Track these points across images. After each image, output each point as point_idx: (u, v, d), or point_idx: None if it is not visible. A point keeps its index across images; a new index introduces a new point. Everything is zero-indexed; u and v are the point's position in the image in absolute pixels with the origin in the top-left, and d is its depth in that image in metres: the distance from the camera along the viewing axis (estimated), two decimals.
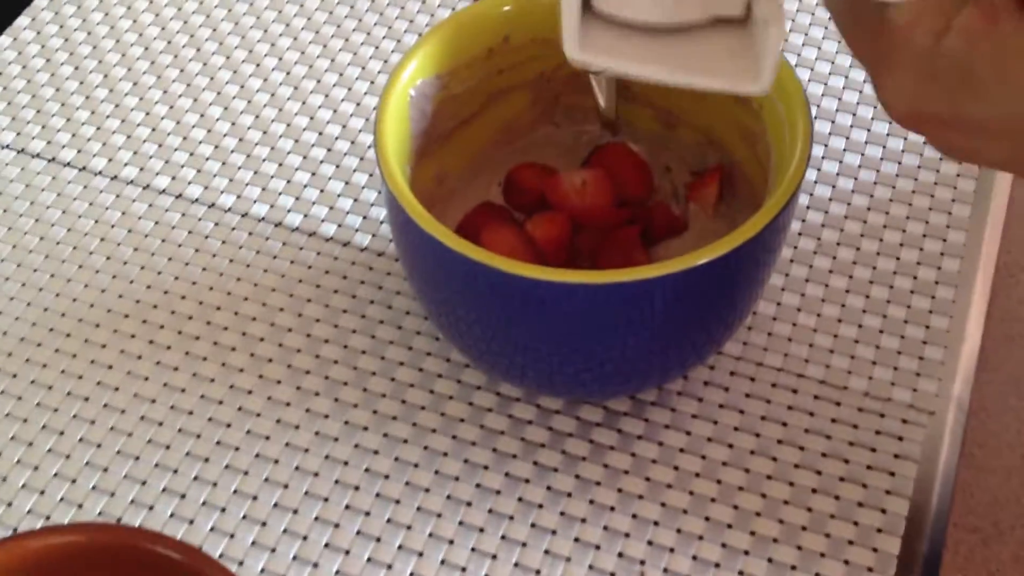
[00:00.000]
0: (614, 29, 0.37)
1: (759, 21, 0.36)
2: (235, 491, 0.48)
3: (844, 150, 0.57)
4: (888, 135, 0.58)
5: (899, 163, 0.57)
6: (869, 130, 0.58)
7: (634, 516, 0.47)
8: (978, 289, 0.53)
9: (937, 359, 0.50)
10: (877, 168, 0.57)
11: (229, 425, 0.50)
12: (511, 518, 0.47)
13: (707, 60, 0.37)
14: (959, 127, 0.30)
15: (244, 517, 0.47)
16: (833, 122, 0.58)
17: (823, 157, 0.57)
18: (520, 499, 0.47)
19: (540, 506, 0.47)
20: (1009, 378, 1.06)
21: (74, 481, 0.48)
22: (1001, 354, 1.07)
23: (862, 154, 0.57)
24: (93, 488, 0.48)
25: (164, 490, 0.48)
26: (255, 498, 0.48)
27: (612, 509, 0.47)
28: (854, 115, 0.59)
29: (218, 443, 0.49)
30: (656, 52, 0.37)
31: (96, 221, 0.56)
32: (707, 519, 0.47)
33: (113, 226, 0.56)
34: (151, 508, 0.47)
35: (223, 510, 0.47)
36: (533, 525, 0.47)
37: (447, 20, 0.48)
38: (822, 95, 0.59)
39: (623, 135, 0.52)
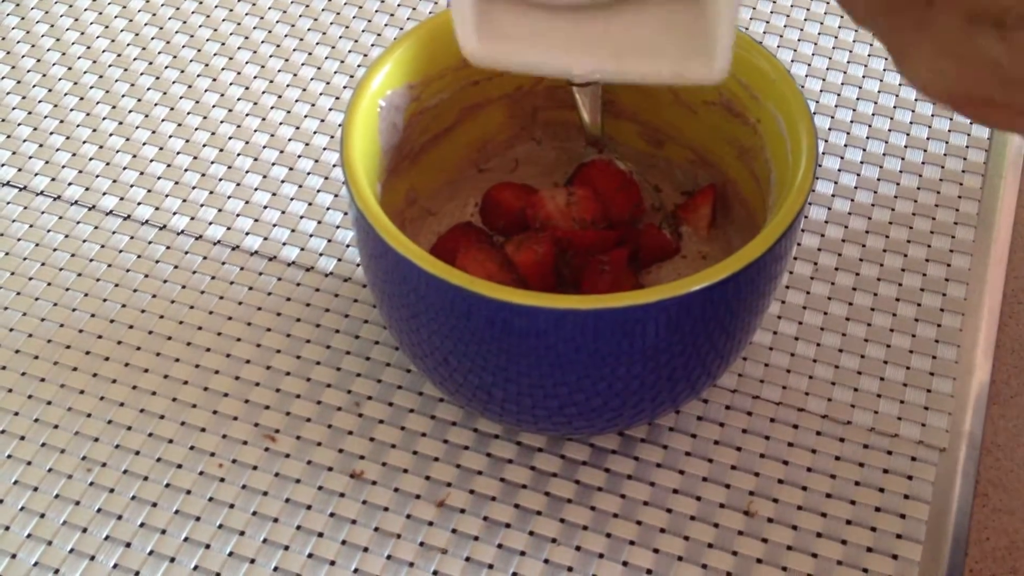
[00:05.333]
0: (524, 9, 0.29)
1: None
2: (186, 539, 0.44)
3: (839, 170, 0.54)
4: (884, 155, 0.55)
5: (897, 183, 0.54)
6: (864, 149, 0.55)
7: (625, 564, 0.43)
8: (985, 316, 0.49)
9: (946, 392, 0.47)
10: (874, 189, 0.54)
11: (180, 466, 0.45)
12: (491, 567, 0.43)
13: (644, 41, 0.29)
14: (1007, 110, 0.26)
15: (196, 568, 0.43)
16: (830, 128, 0.55)
17: (817, 177, 0.54)
18: (500, 545, 0.43)
19: (522, 553, 0.43)
20: (1022, 411, 1.02)
21: (7, 528, 0.44)
22: (1013, 385, 1.03)
23: (858, 175, 0.54)
24: (28, 536, 0.44)
25: (107, 538, 0.43)
26: (207, 547, 0.43)
27: (601, 556, 0.43)
28: (854, 111, 0.56)
29: (167, 485, 0.45)
30: (580, 37, 0.29)
31: (36, 244, 0.52)
32: (704, 567, 0.43)
33: (55, 249, 0.52)
34: (92, 558, 0.43)
35: (172, 560, 0.43)
36: (515, 575, 0.43)
37: (420, 26, 0.45)
38: (820, 91, 0.57)
39: (609, 152, 0.49)
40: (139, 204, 0.53)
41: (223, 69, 0.59)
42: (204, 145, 0.56)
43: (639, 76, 0.29)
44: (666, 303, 0.38)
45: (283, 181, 0.54)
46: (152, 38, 0.60)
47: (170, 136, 0.56)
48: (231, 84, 0.58)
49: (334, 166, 0.55)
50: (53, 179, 0.54)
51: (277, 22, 0.61)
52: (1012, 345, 1.06)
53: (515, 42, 0.30)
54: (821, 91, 0.57)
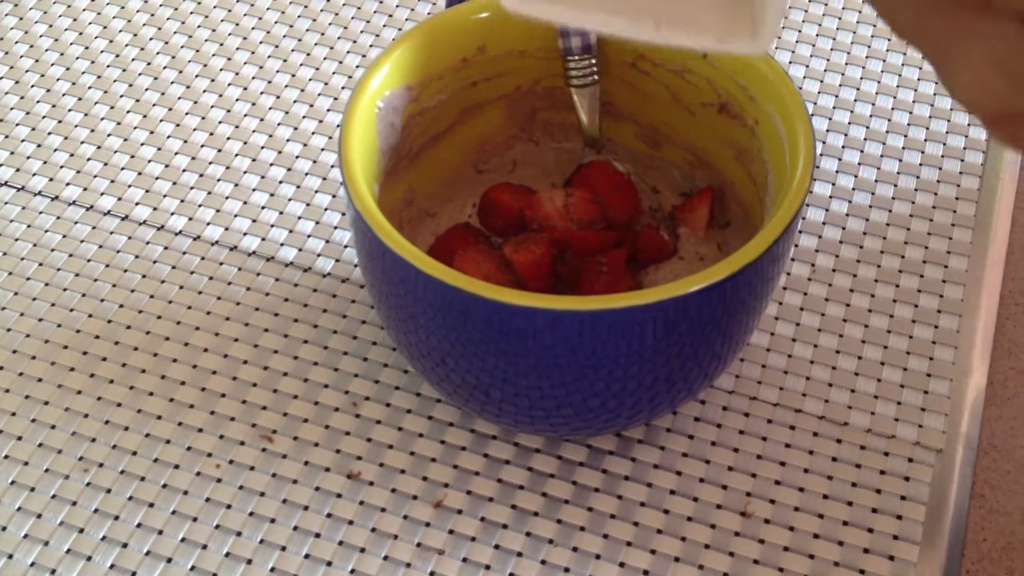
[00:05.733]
0: None
1: None
2: (182, 539, 0.43)
3: (836, 171, 0.54)
4: (882, 156, 0.55)
5: (895, 185, 0.54)
6: (862, 151, 0.55)
7: (622, 565, 0.43)
8: (982, 318, 0.49)
9: (943, 393, 0.47)
10: (872, 191, 0.54)
11: (177, 466, 0.45)
12: (487, 567, 0.43)
13: (687, 10, 0.29)
14: None
15: (192, 568, 0.43)
16: (828, 129, 0.55)
17: (814, 179, 0.54)
18: (497, 546, 0.43)
19: (519, 554, 0.43)
20: (1019, 413, 1.02)
21: (4, 528, 0.44)
22: (1010, 387, 1.03)
23: (855, 176, 0.54)
24: (25, 537, 0.44)
25: (104, 538, 0.43)
26: (204, 547, 0.43)
27: (598, 557, 0.43)
28: (851, 112, 0.56)
29: (164, 486, 0.45)
30: (620, 2, 0.29)
31: (34, 244, 0.52)
32: (701, 568, 0.43)
33: (53, 250, 0.52)
34: (88, 559, 0.43)
35: (169, 560, 0.43)
36: (511, 575, 0.43)
37: (418, 26, 0.45)
38: (818, 92, 0.57)
39: (607, 154, 0.49)
40: (137, 204, 0.53)
41: (221, 69, 0.59)
42: (202, 145, 0.56)
43: (678, 44, 0.29)
44: (664, 304, 0.38)
45: (281, 181, 0.54)
46: (150, 38, 0.60)
47: (168, 136, 0.56)
48: (229, 84, 0.58)
49: (332, 166, 0.55)
50: (51, 179, 0.54)
51: (275, 22, 0.61)
52: (1009, 347, 1.06)
53: (557, 3, 0.29)
54: (819, 93, 0.57)
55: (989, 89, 0.24)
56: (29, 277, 0.51)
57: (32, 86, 0.58)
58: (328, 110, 0.57)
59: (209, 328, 0.49)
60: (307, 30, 0.60)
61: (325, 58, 0.59)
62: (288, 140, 0.56)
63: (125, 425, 0.46)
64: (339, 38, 0.60)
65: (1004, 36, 0.24)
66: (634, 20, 0.29)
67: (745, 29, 0.28)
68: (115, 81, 0.58)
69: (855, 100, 0.57)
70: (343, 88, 0.58)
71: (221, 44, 0.60)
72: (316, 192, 0.54)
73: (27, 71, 0.59)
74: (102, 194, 0.54)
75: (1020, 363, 1.05)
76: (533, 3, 0.29)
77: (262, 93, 0.58)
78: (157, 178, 0.54)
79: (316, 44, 0.60)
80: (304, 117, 0.57)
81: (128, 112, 0.57)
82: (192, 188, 0.54)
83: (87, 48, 0.60)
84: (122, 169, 0.55)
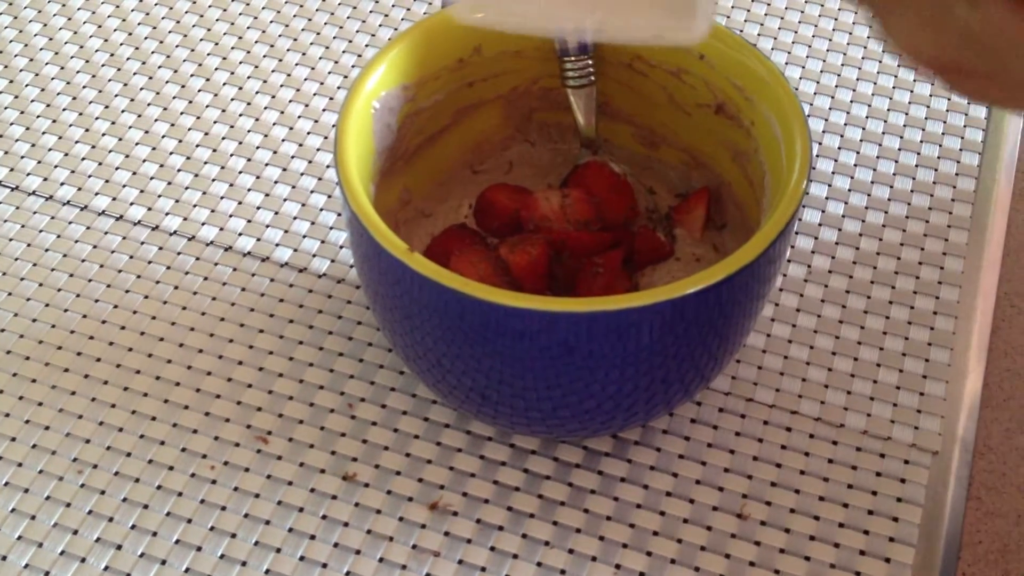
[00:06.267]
0: None
1: None
2: (177, 541, 0.43)
3: (833, 172, 0.54)
4: (878, 158, 0.55)
5: (891, 186, 0.54)
6: (859, 152, 0.55)
7: (618, 567, 0.43)
8: (978, 320, 0.49)
9: (939, 395, 0.47)
10: (868, 192, 0.54)
11: (171, 468, 0.45)
12: (483, 569, 0.43)
13: (629, 2, 0.30)
14: (980, 78, 0.27)
15: (187, 571, 0.43)
16: (824, 130, 0.55)
17: (810, 180, 0.54)
18: (493, 548, 0.43)
19: (515, 556, 0.43)
20: (1015, 415, 1.02)
21: None
22: (1006, 389, 1.03)
23: (851, 177, 0.54)
24: (19, 538, 0.43)
25: (98, 540, 0.43)
26: (199, 549, 0.43)
27: (593, 559, 0.43)
28: (848, 113, 0.56)
29: (159, 487, 0.45)
30: (564, 4, 0.30)
31: (28, 244, 0.52)
32: (697, 570, 0.43)
33: (47, 250, 0.52)
34: (83, 560, 0.43)
35: (163, 562, 0.43)
36: None
37: (414, 27, 0.45)
38: (815, 93, 0.57)
39: (603, 154, 0.49)
40: (132, 204, 0.53)
41: (216, 69, 0.59)
42: (197, 145, 0.55)
43: (621, 34, 0.30)
44: (660, 306, 0.38)
45: (276, 182, 0.54)
46: (145, 37, 0.60)
47: (163, 136, 0.56)
48: (224, 84, 0.58)
49: (328, 167, 0.55)
50: (45, 179, 0.54)
51: (271, 22, 0.61)
52: (1005, 348, 1.06)
53: (504, 3, 0.30)
54: (815, 94, 0.57)
55: (923, 44, 0.27)
56: (23, 277, 0.51)
57: (27, 85, 0.58)
58: (324, 110, 0.57)
59: (204, 329, 0.49)
60: (303, 29, 0.60)
61: (321, 58, 0.59)
62: (284, 140, 0.56)
63: (119, 426, 0.46)
64: (335, 38, 0.60)
65: (922, 3, 0.26)
66: (579, 14, 0.30)
67: (682, 20, 0.29)
68: (110, 81, 0.58)
69: (851, 101, 0.57)
70: (339, 88, 0.58)
71: (216, 43, 0.60)
72: (312, 192, 0.54)
73: (21, 70, 0.59)
74: (96, 194, 0.54)
75: (1016, 365, 1.05)
76: (483, 12, 0.29)
77: (257, 93, 0.57)
78: (152, 178, 0.54)
79: (312, 44, 0.60)
80: (300, 117, 0.56)
81: (123, 112, 0.57)
82: (187, 188, 0.54)
83: (82, 47, 0.60)
84: (116, 169, 0.54)
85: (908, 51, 0.28)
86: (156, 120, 0.56)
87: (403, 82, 0.44)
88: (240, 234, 0.52)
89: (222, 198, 0.53)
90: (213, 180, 0.54)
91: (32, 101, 0.57)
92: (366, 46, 0.60)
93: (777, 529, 0.44)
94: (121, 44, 0.60)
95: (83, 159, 0.55)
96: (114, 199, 0.53)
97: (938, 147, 0.55)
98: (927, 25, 0.27)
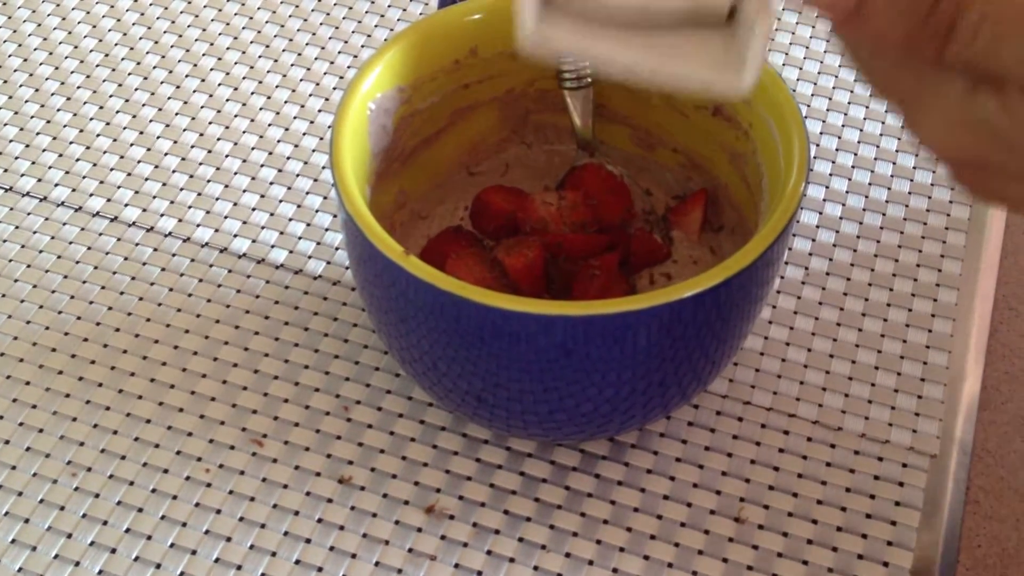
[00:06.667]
0: (579, 23, 0.33)
1: (745, 18, 0.32)
2: (171, 545, 0.43)
3: (830, 174, 0.54)
4: (876, 159, 0.55)
5: (888, 188, 0.54)
6: (856, 153, 0.55)
7: (615, 571, 0.43)
8: (976, 322, 0.49)
9: (937, 398, 0.47)
10: (865, 194, 0.53)
11: (166, 471, 0.45)
12: (479, 573, 0.43)
13: (683, 54, 0.32)
14: (1003, 175, 0.28)
15: (181, 574, 0.42)
16: (821, 132, 0.55)
17: (808, 182, 0.54)
18: (489, 552, 0.43)
19: (512, 560, 0.43)
20: (1013, 418, 1.02)
21: None
22: (1004, 392, 1.03)
23: (849, 179, 0.54)
24: (12, 542, 0.43)
25: (92, 544, 0.43)
26: (194, 552, 0.43)
27: (590, 563, 0.43)
28: (845, 115, 0.55)
29: (153, 490, 0.44)
30: (628, 40, 0.33)
31: (22, 246, 0.52)
32: (694, 574, 0.43)
33: (41, 251, 0.51)
34: (77, 564, 0.43)
35: (158, 566, 0.43)
36: None
37: (410, 28, 0.44)
38: (812, 95, 0.56)
39: (600, 156, 0.48)
40: (126, 206, 0.53)
41: (212, 69, 0.58)
42: (192, 146, 0.55)
43: (673, 79, 0.32)
44: (658, 309, 0.38)
45: (272, 183, 0.54)
46: (140, 37, 0.60)
47: (158, 137, 0.55)
48: (220, 84, 0.58)
49: (323, 168, 0.54)
50: (39, 180, 0.54)
51: (266, 22, 0.60)
52: (1003, 351, 1.06)
53: (568, 36, 0.33)
54: (812, 95, 0.57)
55: (947, 140, 0.27)
56: (17, 279, 0.50)
57: (21, 86, 0.58)
58: (319, 111, 0.57)
59: (199, 331, 0.49)
60: (298, 30, 0.60)
61: (316, 58, 0.59)
62: (279, 141, 0.55)
63: (114, 429, 0.46)
64: (330, 38, 0.60)
65: (955, 94, 0.27)
66: (638, 54, 0.32)
67: (731, 71, 0.31)
68: (104, 81, 0.58)
69: (849, 103, 0.57)
70: (334, 88, 0.57)
71: (211, 44, 0.59)
72: (307, 193, 0.53)
73: (15, 71, 0.58)
74: (91, 195, 0.53)
75: (1014, 368, 1.05)
76: (551, 38, 0.32)
77: (253, 93, 0.57)
78: (146, 179, 0.54)
79: (307, 44, 0.59)
80: (295, 118, 0.56)
81: (117, 112, 0.56)
82: (182, 189, 0.53)
83: (76, 47, 0.59)
84: (111, 170, 0.54)
85: (932, 146, 0.28)
86: (151, 121, 0.56)
87: (399, 84, 0.44)
88: (235, 236, 0.52)
89: (217, 199, 0.53)
90: (208, 181, 0.54)
91: (26, 102, 0.57)
92: (362, 47, 0.59)
93: (775, 533, 0.43)
94: (116, 44, 0.60)
95: (77, 160, 0.55)
96: (109, 200, 0.53)
97: None
98: (953, 120, 0.27)
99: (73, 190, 0.53)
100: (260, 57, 0.59)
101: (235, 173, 0.54)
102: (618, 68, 0.32)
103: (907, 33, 0.26)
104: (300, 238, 0.52)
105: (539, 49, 0.33)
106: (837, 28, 0.28)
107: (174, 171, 0.54)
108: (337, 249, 0.51)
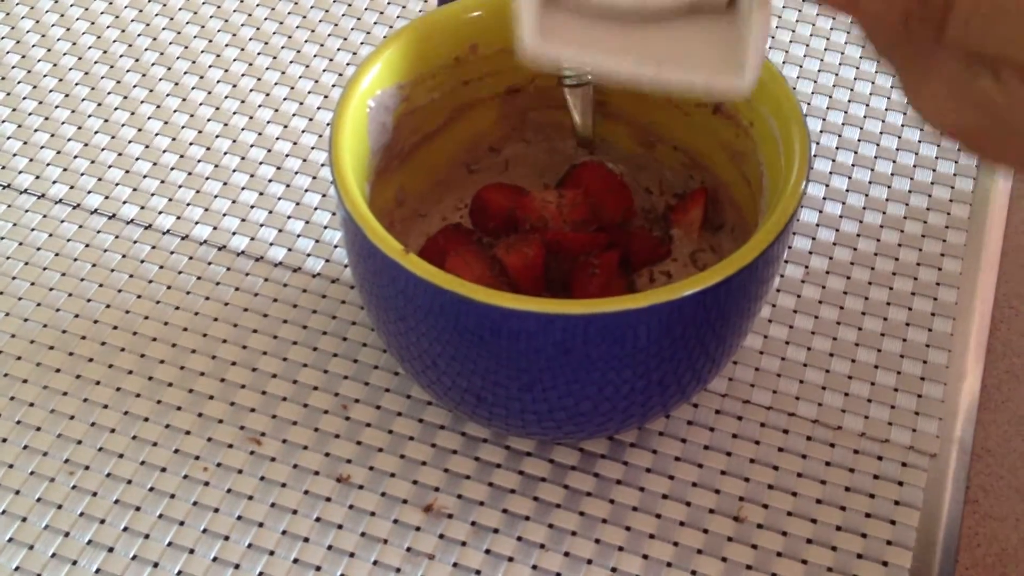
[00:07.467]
0: (578, 20, 0.33)
1: (743, 10, 0.31)
2: (169, 543, 0.43)
3: (830, 172, 0.54)
4: (876, 158, 0.54)
5: (888, 186, 0.53)
6: (856, 151, 0.55)
7: (613, 570, 0.42)
8: (976, 321, 0.49)
9: (937, 397, 0.47)
10: (865, 192, 0.53)
11: (164, 469, 0.45)
12: (478, 572, 0.42)
13: (684, 55, 0.32)
14: (1000, 144, 0.28)
15: (179, 573, 0.42)
16: (822, 130, 0.55)
17: (808, 180, 0.53)
18: (488, 551, 0.43)
19: (510, 559, 0.43)
20: (1013, 417, 1.02)
21: None
22: (1004, 391, 1.03)
23: (849, 177, 0.54)
24: (9, 540, 0.43)
25: (89, 542, 0.43)
26: (191, 551, 0.43)
27: (589, 562, 0.43)
28: (846, 113, 0.55)
29: (151, 489, 0.44)
30: (626, 44, 0.32)
31: (20, 243, 0.51)
32: (693, 573, 0.42)
33: (39, 248, 0.51)
34: (74, 563, 0.42)
35: (156, 565, 0.42)
36: None
37: (410, 25, 0.44)
38: (812, 92, 0.56)
39: (600, 154, 0.48)
40: (124, 203, 0.53)
41: (210, 66, 0.58)
42: (191, 143, 0.55)
43: (675, 83, 0.32)
44: (658, 308, 0.38)
45: (270, 180, 0.54)
46: (138, 34, 0.60)
47: (156, 134, 0.55)
48: (218, 82, 0.57)
49: (322, 165, 0.54)
50: (37, 177, 0.54)
51: (265, 19, 0.60)
52: (1003, 350, 1.06)
53: (569, 43, 0.33)
54: (813, 93, 0.57)
55: (945, 111, 0.28)
56: (15, 276, 0.50)
57: (18, 82, 0.58)
58: (318, 108, 0.56)
59: (197, 329, 0.49)
60: (297, 27, 0.60)
61: (315, 55, 0.59)
62: (278, 138, 0.55)
63: (112, 427, 0.46)
64: (329, 35, 0.59)
65: (953, 70, 0.27)
66: (639, 60, 0.32)
67: (731, 73, 0.31)
68: (102, 78, 0.58)
69: (849, 101, 0.56)
70: (333, 86, 0.57)
71: (210, 40, 0.59)
72: (306, 191, 0.53)
73: (13, 67, 0.58)
74: (89, 192, 0.53)
75: (1014, 367, 1.05)
76: (552, 48, 0.31)
77: (251, 90, 0.57)
78: (145, 176, 0.54)
79: (306, 41, 0.59)
80: (294, 115, 0.56)
81: (115, 109, 0.56)
82: (180, 186, 0.53)
83: (74, 44, 0.59)
84: (109, 167, 0.54)
85: (931, 118, 0.29)
86: (149, 118, 0.56)
87: (398, 81, 0.44)
88: (234, 233, 0.52)
89: (216, 197, 0.53)
90: (207, 179, 0.54)
91: (24, 99, 0.57)
92: (361, 43, 0.59)
93: (774, 532, 0.43)
94: (114, 41, 0.59)
95: (75, 157, 0.54)
96: (106, 197, 0.53)
97: (936, 147, 0.55)
98: (951, 94, 0.28)
99: (71, 187, 0.53)
100: (259, 54, 0.59)
101: (233, 170, 0.54)
102: (619, 78, 0.32)
103: (904, 17, 0.27)
104: (299, 236, 0.52)
105: (539, 60, 0.33)
106: (834, 6, 0.28)
107: (172, 168, 0.54)
108: (336, 247, 0.51)
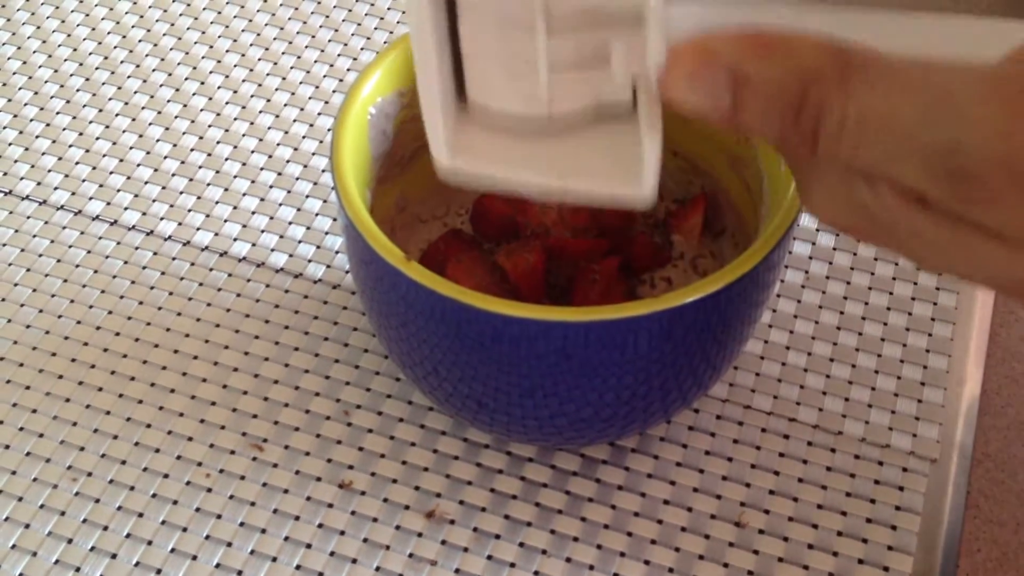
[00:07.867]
0: (489, 134, 0.33)
1: (641, 121, 0.32)
2: (172, 550, 0.43)
3: None
4: None
5: None
6: None
7: None
8: (976, 326, 0.49)
9: (937, 402, 0.47)
10: None
11: (167, 476, 0.45)
12: None
13: (590, 165, 0.33)
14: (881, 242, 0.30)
15: None
16: None
17: None
18: (490, 557, 0.43)
19: (512, 565, 0.43)
20: (1013, 422, 1.02)
21: None
22: (1004, 396, 1.03)
23: None
24: (13, 547, 0.43)
25: (92, 549, 0.43)
26: (194, 558, 0.43)
27: (591, 568, 0.43)
28: None
29: (154, 496, 0.44)
30: (535, 156, 0.33)
31: (22, 250, 0.51)
32: None
33: (41, 255, 0.51)
34: (77, 569, 0.43)
35: (159, 571, 0.43)
36: None
37: None
38: None
39: None
40: (126, 209, 0.53)
41: (211, 72, 0.58)
42: (192, 149, 0.55)
43: (582, 195, 0.33)
44: (659, 315, 0.38)
45: (272, 186, 0.54)
46: (140, 40, 0.60)
47: (157, 140, 0.55)
48: (219, 87, 0.58)
49: (323, 171, 0.54)
50: (39, 183, 0.54)
51: (266, 25, 0.60)
52: (1003, 355, 1.06)
53: (482, 157, 0.33)
54: None
55: (831, 213, 0.29)
56: (16, 283, 0.50)
57: (20, 88, 0.58)
58: (319, 113, 0.57)
59: (199, 335, 0.49)
60: (297, 33, 0.60)
61: (316, 61, 0.59)
62: (279, 144, 0.55)
63: (114, 433, 0.46)
64: (330, 41, 0.60)
65: (834, 179, 0.28)
66: (544, 177, 0.32)
67: (633, 182, 0.32)
68: (104, 84, 0.58)
69: None
70: (334, 91, 0.57)
71: (211, 46, 0.59)
72: (307, 197, 0.53)
73: (14, 73, 0.58)
74: (90, 198, 0.53)
75: (1014, 372, 1.05)
76: (462, 163, 0.32)
77: (252, 96, 0.57)
78: (146, 182, 0.54)
79: (307, 47, 0.59)
80: (295, 121, 0.56)
81: (117, 115, 0.56)
82: (182, 192, 0.53)
83: (75, 50, 0.59)
84: (111, 173, 0.54)
85: (821, 218, 0.30)
86: (151, 124, 0.56)
87: (399, 88, 0.44)
88: (235, 239, 0.52)
89: (217, 203, 0.53)
90: (208, 185, 0.54)
91: (25, 105, 0.57)
92: (361, 49, 0.59)
93: (775, 538, 0.43)
94: (115, 47, 0.59)
95: (77, 163, 0.55)
96: (108, 204, 0.53)
97: None
98: (835, 198, 0.29)
99: (72, 193, 0.53)
100: (260, 60, 0.59)
101: (235, 176, 0.54)
102: (528, 192, 0.33)
103: (781, 134, 0.28)
104: (300, 242, 0.52)
105: (450, 176, 0.33)
106: (718, 125, 0.29)
107: (174, 174, 0.54)
108: (337, 253, 0.51)
